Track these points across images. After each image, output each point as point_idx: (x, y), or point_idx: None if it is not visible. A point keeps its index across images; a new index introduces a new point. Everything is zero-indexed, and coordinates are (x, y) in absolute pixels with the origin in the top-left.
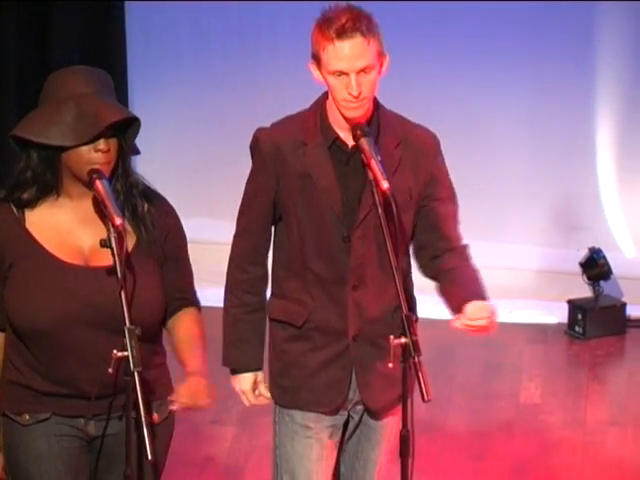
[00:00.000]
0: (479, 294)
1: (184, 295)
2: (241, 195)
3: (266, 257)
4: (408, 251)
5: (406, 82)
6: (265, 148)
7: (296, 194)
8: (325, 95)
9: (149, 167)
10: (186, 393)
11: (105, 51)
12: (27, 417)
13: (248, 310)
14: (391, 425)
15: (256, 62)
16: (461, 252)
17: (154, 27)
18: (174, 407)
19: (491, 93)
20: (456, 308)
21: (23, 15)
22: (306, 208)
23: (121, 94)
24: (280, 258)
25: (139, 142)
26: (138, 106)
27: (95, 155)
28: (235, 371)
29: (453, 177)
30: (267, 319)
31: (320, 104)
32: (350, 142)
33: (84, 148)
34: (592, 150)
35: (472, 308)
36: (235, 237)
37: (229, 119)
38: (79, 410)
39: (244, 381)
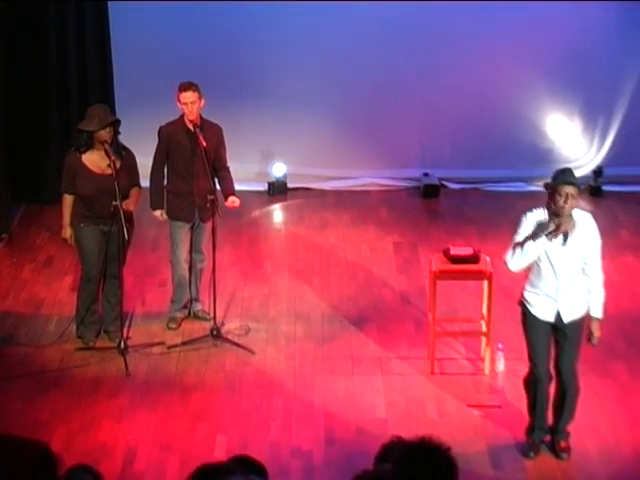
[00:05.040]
0: (232, 191)
1: (135, 183)
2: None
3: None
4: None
5: None
6: (165, 134)
7: (177, 150)
8: (182, 113)
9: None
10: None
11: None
12: (82, 225)
13: (162, 183)
14: (209, 223)
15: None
16: (227, 168)
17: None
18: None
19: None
20: (225, 194)
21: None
22: (180, 154)
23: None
24: (167, 172)
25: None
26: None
27: (105, 132)
28: (156, 208)
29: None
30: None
31: (180, 117)
32: (191, 130)
33: (102, 131)
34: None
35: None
36: (155, 170)
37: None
38: (102, 223)
39: (160, 211)
